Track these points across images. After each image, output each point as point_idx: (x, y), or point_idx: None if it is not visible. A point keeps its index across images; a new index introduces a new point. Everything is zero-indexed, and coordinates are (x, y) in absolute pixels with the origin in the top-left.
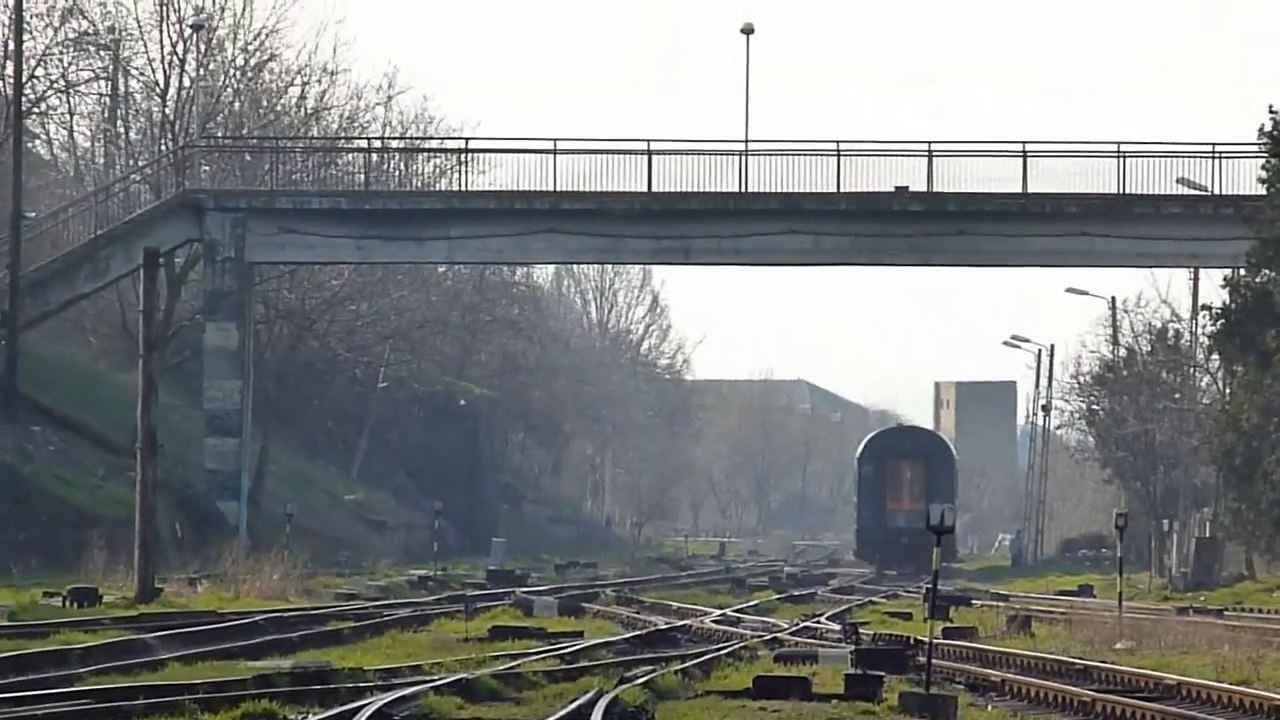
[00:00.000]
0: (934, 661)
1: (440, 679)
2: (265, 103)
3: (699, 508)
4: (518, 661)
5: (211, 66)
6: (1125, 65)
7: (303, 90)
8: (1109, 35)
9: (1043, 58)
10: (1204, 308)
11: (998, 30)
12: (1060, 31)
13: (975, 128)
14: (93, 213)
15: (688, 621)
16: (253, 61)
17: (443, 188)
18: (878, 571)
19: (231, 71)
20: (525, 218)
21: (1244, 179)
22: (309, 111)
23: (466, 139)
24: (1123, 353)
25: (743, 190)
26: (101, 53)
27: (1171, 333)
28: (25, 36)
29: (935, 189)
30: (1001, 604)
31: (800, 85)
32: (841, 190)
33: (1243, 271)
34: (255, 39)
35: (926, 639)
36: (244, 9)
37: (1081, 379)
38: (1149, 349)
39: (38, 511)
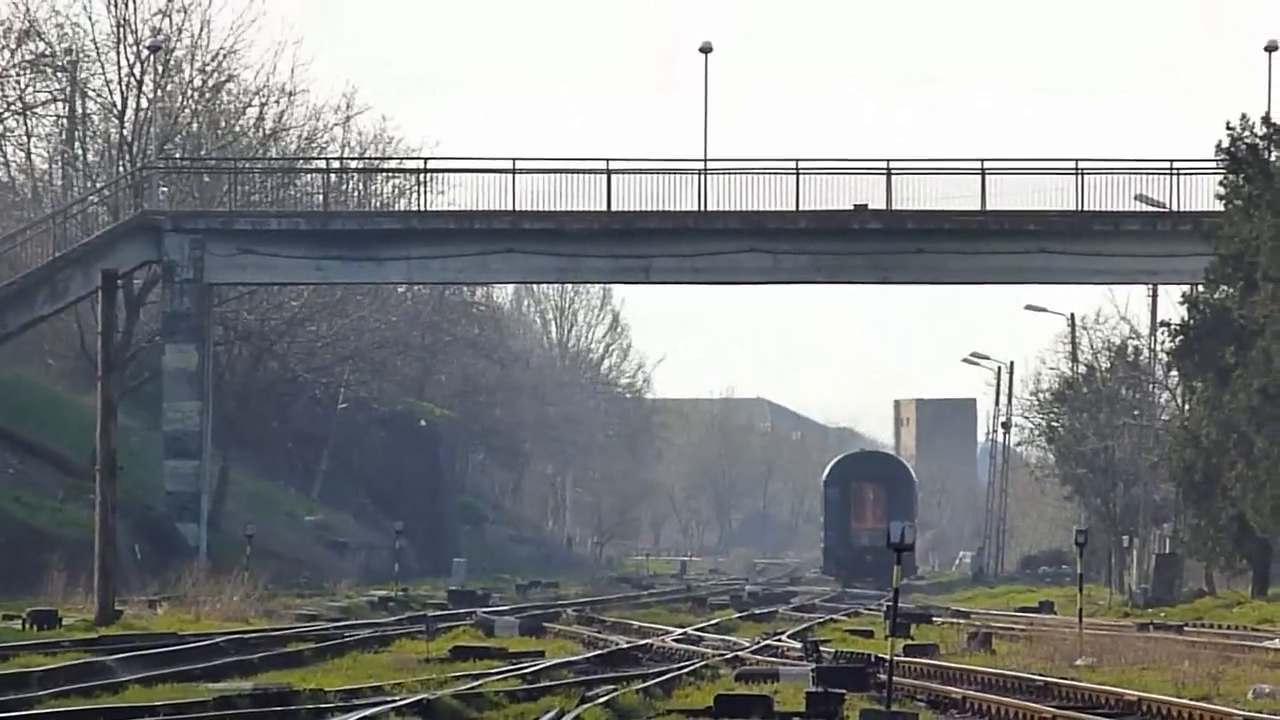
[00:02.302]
0: (895, 679)
1: (401, 700)
2: (223, 124)
3: (660, 527)
4: (479, 682)
5: (169, 88)
6: (1122, 66)
7: (261, 111)
8: (1097, 38)
9: (1036, 59)
10: (1163, 324)
11: (983, 36)
12: (1053, 34)
13: (941, 141)
14: (50, 235)
15: (649, 640)
16: (210, 82)
17: (402, 208)
18: (842, 588)
19: (189, 92)
20: (484, 237)
21: (1202, 195)
22: (267, 132)
23: (425, 159)
24: (1082, 369)
25: (702, 209)
26: (59, 74)
27: (1130, 349)
28: None
29: (894, 207)
30: (962, 621)
31: (760, 104)
32: (801, 209)
33: (1201, 288)
34: (213, 60)
35: (888, 656)
36: (201, 30)
37: (1041, 396)
38: (1108, 366)
39: None
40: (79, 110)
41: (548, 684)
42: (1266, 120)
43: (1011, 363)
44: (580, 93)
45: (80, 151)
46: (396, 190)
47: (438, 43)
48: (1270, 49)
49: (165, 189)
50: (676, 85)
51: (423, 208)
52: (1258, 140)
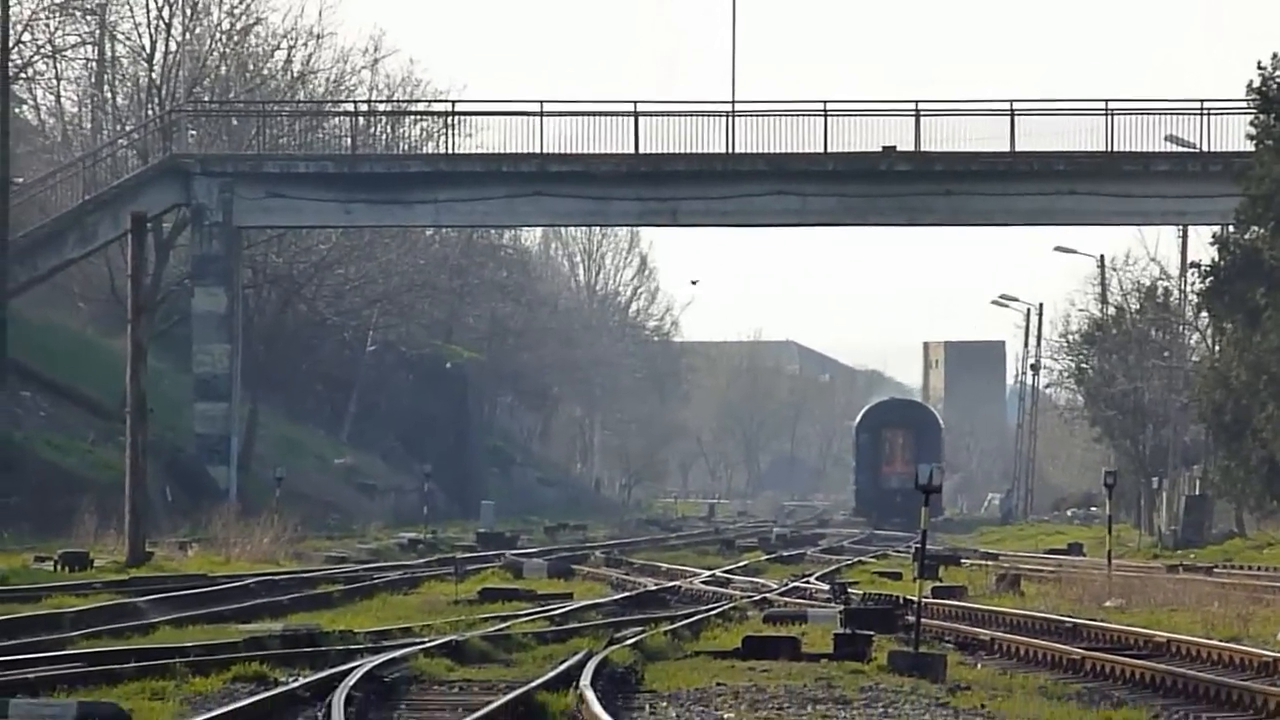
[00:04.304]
0: (923, 621)
1: (430, 641)
2: (251, 67)
3: (688, 469)
4: (507, 624)
5: (198, 31)
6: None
7: (289, 54)
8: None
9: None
10: (1193, 265)
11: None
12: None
13: (966, 89)
14: (80, 178)
15: (677, 583)
16: (239, 25)
17: (429, 151)
18: (872, 529)
19: (217, 36)
20: (512, 180)
21: (1232, 136)
22: (295, 75)
23: (453, 101)
24: (1111, 311)
25: (729, 151)
26: (88, 18)
27: (1160, 291)
28: (12, 2)
29: (923, 149)
30: (991, 563)
31: (788, 46)
32: (829, 151)
33: (1231, 229)
34: (241, 3)
35: (916, 598)
36: None
37: (1070, 338)
38: (1138, 307)
39: (29, 477)
40: (108, 54)
41: (576, 626)
42: None
43: (1040, 304)
44: (608, 33)
45: (109, 95)
46: (424, 133)
47: (440, 5)
48: None
49: (194, 132)
50: (704, 27)
51: (450, 150)
52: None
